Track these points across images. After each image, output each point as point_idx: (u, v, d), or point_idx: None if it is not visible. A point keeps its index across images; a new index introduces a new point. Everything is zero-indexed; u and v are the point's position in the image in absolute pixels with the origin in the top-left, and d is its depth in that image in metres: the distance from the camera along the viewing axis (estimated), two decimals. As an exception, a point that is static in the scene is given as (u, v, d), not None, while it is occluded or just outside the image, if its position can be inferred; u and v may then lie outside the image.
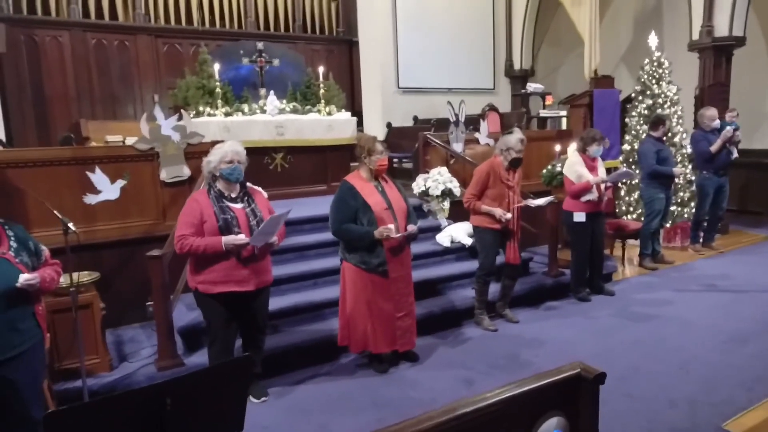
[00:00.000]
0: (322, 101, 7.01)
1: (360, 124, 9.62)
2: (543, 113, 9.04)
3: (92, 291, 3.71)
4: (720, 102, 7.75)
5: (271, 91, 6.79)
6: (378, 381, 3.97)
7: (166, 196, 4.76)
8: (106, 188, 4.45)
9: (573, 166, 5.34)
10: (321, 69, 7.09)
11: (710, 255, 7.09)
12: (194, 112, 6.30)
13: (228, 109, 6.45)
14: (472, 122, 7.40)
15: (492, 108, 7.98)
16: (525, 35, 10.99)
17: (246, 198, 3.46)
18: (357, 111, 10.02)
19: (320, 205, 6.05)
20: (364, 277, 3.87)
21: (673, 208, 7.15)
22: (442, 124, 7.63)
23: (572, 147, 6.22)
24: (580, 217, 5.31)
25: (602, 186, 5.33)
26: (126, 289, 4.55)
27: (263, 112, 6.67)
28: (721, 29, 7.91)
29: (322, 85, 7.07)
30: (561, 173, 5.90)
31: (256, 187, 4.62)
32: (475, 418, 1.85)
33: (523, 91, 9.91)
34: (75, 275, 3.32)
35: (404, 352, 4.18)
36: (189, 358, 3.95)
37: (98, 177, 4.41)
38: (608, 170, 6.21)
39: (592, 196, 5.27)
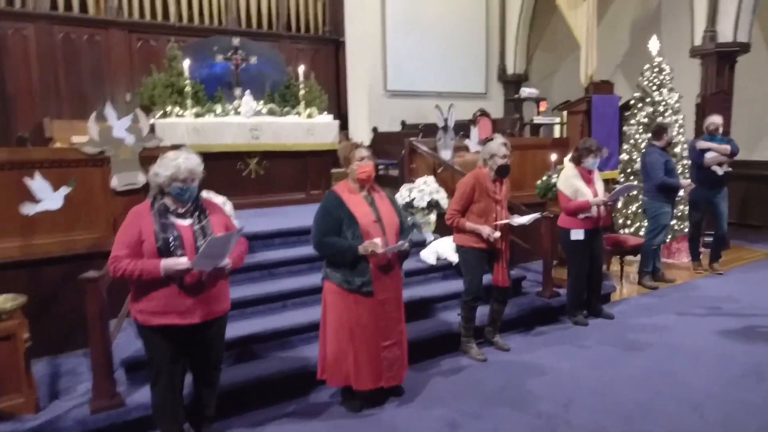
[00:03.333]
0: (302, 103, 6.54)
1: (345, 127, 9.17)
2: (537, 119, 8.62)
3: (17, 318, 3.19)
4: (722, 111, 7.33)
5: (247, 91, 6.32)
6: (352, 423, 3.49)
7: (117, 206, 4.23)
8: (48, 196, 3.92)
9: (569, 179, 4.87)
10: (301, 68, 6.61)
11: (712, 273, 6.66)
12: (161, 112, 5.80)
13: (199, 110, 5.96)
14: (463, 128, 6.95)
15: (483, 113, 7.51)
16: (519, 38, 10.59)
17: (197, 213, 2.94)
18: (343, 114, 9.57)
19: (296, 216, 5.60)
20: (347, 299, 3.42)
21: (673, 222, 6.72)
22: (430, 130, 7.18)
23: (570, 157, 5.79)
24: (578, 234, 4.85)
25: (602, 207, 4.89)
26: (70, 312, 4.01)
27: (237, 113, 6.20)
28: (725, 35, 7.54)
29: (302, 86, 6.60)
30: (557, 185, 5.45)
31: (215, 199, 4.15)
32: None
33: (516, 96, 9.48)
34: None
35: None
36: (132, 396, 3.42)
37: (38, 183, 3.88)
38: (606, 182, 5.78)
39: (591, 213, 4.82)
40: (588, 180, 4.90)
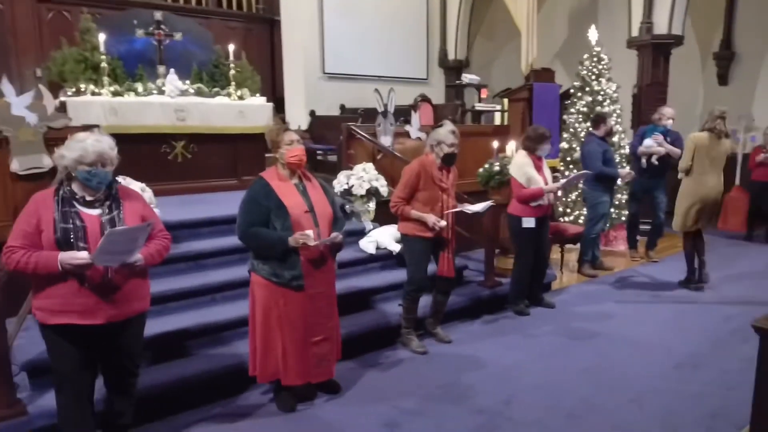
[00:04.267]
0: (233, 84, 6.14)
1: (282, 111, 8.77)
2: (479, 106, 8.52)
3: None
4: (658, 101, 7.47)
5: (171, 70, 5.85)
6: (285, 424, 3.24)
7: (18, 193, 3.76)
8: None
9: (522, 167, 4.77)
10: (231, 47, 6.20)
11: (648, 261, 6.77)
12: (73, 90, 5.28)
13: (117, 88, 5.46)
14: (403, 113, 6.75)
15: (425, 99, 7.36)
16: (460, 24, 10.48)
17: (110, 202, 2.59)
18: (279, 97, 9.14)
19: (227, 204, 5.20)
20: (275, 293, 3.18)
21: (611, 210, 6.77)
22: (370, 115, 6.95)
23: (511, 145, 5.68)
24: (529, 222, 4.75)
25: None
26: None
27: (161, 93, 5.73)
28: (660, 26, 7.66)
29: (232, 66, 6.19)
30: (500, 173, 5.33)
31: (132, 185, 3.76)
32: None
33: (458, 81, 9.36)
34: None
35: (323, 382, 3.49)
36: (37, 402, 3.04)
37: None
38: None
39: (543, 200, 4.74)
40: (538, 167, 4.82)
